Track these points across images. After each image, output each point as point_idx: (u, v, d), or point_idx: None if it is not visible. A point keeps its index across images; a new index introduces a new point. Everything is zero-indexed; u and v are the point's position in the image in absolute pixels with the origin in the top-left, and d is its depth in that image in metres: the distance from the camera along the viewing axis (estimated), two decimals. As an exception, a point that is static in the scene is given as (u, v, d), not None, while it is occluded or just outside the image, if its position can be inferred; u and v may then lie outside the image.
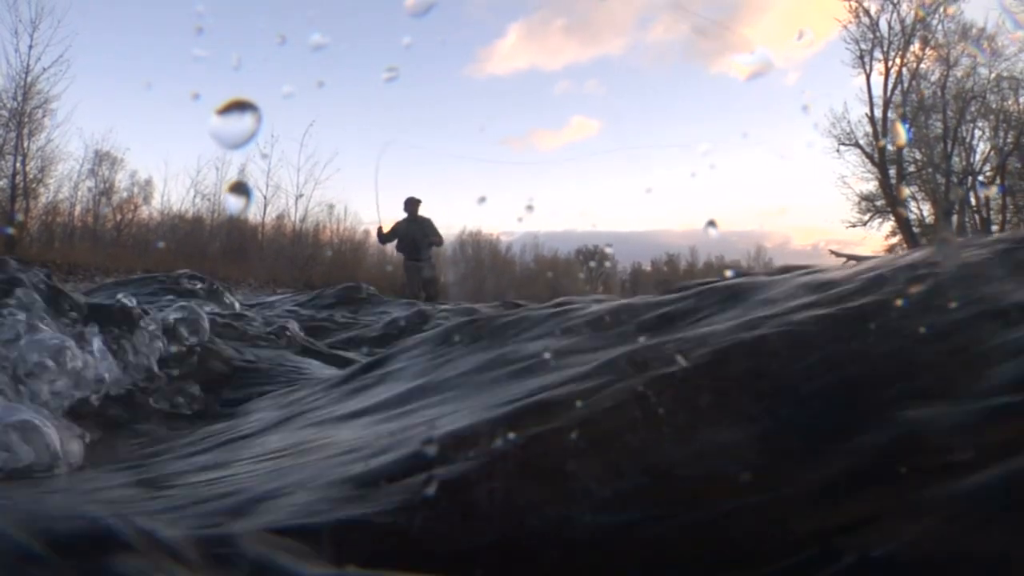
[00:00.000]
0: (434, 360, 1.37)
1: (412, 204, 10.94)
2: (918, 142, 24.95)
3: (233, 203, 0.76)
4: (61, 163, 22.14)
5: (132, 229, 24.97)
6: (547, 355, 1.07)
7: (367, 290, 4.83)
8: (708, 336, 0.92)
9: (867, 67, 25.53)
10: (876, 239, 26.71)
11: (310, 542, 0.62)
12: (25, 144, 20.75)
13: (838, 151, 26.07)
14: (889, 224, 26.18)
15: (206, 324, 2.04)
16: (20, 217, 20.17)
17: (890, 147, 24.45)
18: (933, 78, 24.80)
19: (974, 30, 23.32)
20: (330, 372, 1.97)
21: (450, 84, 43.95)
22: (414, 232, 10.79)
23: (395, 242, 11.03)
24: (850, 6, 25.19)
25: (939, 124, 24.48)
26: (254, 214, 26.92)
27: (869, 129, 25.68)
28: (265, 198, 26.02)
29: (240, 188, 0.77)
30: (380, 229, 11.11)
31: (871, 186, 26.26)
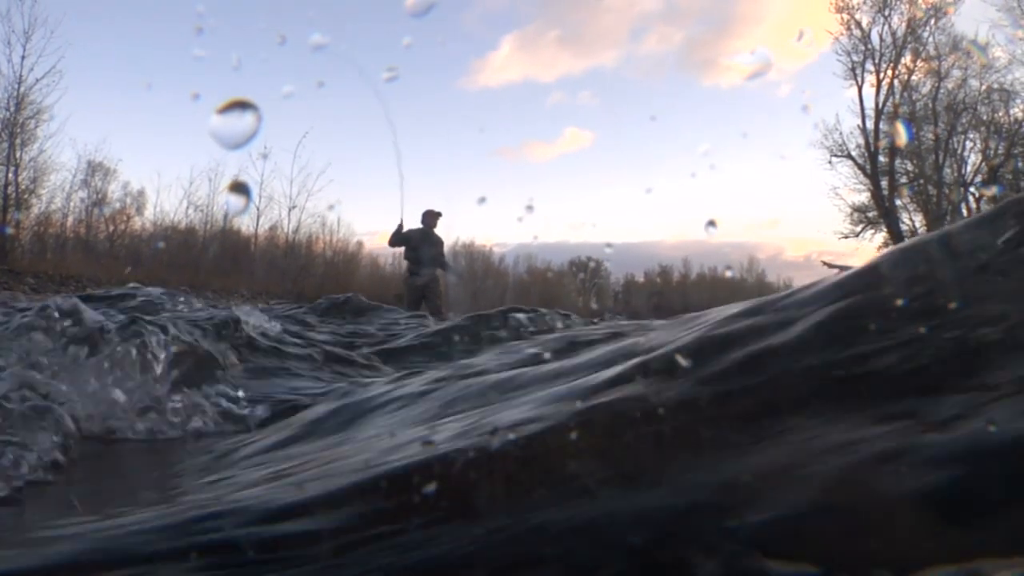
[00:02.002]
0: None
1: (430, 217, 10.21)
2: (910, 153, 25.14)
3: (233, 203, 0.73)
4: (54, 173, 22.02)
5: (125, 240, 24.83)
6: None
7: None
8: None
9: (859, 79, 25.76)
10: (869, 250, 26.81)
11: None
12: (17, 154, 20.62)
13: (830, 162, 26.25)
14: (881, 235, 26.32)
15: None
16: (10, 230, 20.01)
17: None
18: (924, 90, 25.03)
19: (965, 42, 23.57)
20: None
21: (443, 96, 44.18)
22: (428, 247, 10.02)
23: (403, 249, 10.26)
24: (842, 19, 25.46)
25: (931, 135, 24.65)
26: (247, 225, 26.86)
27: (861, 140, 25.86)
28: (258, 209, 25.95)
29: (240, 188, 0.75)
30: (400, 227, 10.06)
31: (863, 197, 26.41)
